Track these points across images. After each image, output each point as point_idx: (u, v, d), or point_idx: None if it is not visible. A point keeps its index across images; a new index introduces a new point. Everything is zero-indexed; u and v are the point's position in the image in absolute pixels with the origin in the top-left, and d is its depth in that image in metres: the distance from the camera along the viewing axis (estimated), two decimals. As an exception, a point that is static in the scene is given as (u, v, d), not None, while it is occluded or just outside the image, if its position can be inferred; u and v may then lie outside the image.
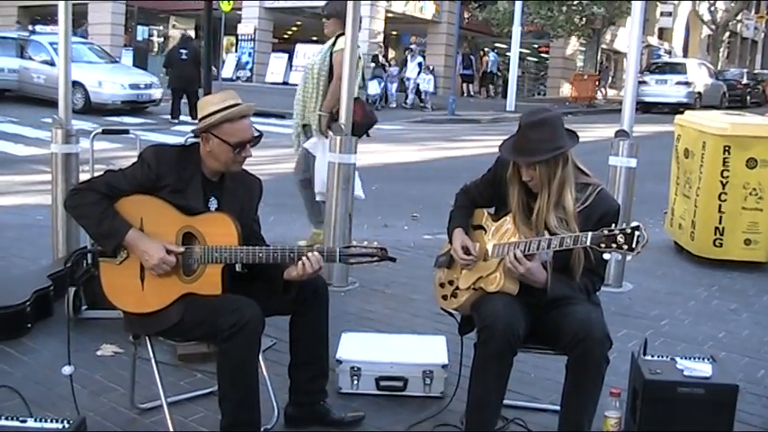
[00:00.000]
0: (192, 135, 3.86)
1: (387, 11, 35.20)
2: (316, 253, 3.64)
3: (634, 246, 3.33)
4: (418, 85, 28.04)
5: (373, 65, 27.68)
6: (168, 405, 3.80)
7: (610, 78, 38.72)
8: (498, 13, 33.93)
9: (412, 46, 30.54)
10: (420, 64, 28.43)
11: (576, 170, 3.74)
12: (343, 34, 6.56)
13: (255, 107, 3.83)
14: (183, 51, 20.52)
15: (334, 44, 6.68)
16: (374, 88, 26.45)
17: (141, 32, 35.13)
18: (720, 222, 7.50)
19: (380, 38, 35.35)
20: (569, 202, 3.63)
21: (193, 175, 3.67)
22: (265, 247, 3.64)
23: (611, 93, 38.58)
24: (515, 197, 3.74)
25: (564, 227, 3.59)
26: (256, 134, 3.74)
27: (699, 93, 30.22)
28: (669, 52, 46.52)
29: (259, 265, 3.67)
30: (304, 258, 3.62)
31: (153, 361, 3.79)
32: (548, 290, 3.61)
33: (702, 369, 3.87)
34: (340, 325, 5.18)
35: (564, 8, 33.03)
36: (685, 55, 46.65)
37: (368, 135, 6.87)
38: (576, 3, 33.13)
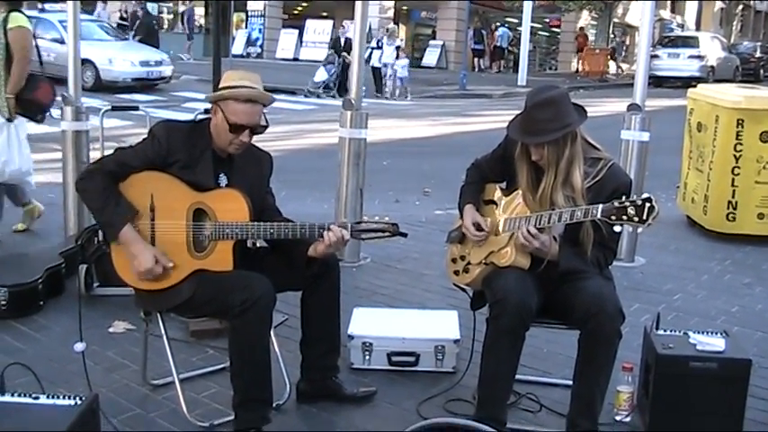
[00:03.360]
0: (201, 111, 3.85)
1: (397, -15, 35.04)
2: (336, 227, 3.62)
3: (645, 217, 3.30)
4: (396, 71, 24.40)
5: (331, 51, 24.59)
6: (180, 381, 3.82)
7: (624, 52, 38.22)
8: (509, -13, 33.71)
9: (389, 26, 27.41)
10: (398, 48, 25.10)
11: (587, 145, 3.71)
12: (14, 10, 6.33)
13: (265, 83, 3.79)
14: (155, 22, 21.22)
15: (6, 20, 6.37)
16: (321, 75, 23.48)
17: (151, 9, 34.98)
18: (733, 196, 7.46)
19: (391, 13, 35.21)
20: (578, 180, 3.60)
21: (204, 152, 3.65)
22: (276, 223, 3.63)
23: (623, 67, 38.25)
24: (524, 176, 3.73)
25: (571, 205, 3.57)
26: (262, 123, 3.70)
27: (711, 66, 29.99)
28: (682, 26, 46.10)
29: (282, 240, 3.67)
30: (327, 232, 3.61)
31: (165, 337, 3.80)
32: (560, 263, 3.59)
33: (715, 343, 3.85)
34: (352, 300, 5.18)
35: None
36: (698, 28, 46.24)
37: (52, 116, 6.65)
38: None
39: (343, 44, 23.83)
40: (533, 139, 3.60)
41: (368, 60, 24.24)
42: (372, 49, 24.73)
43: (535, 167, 3.71)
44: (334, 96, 22.49)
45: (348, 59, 23.02)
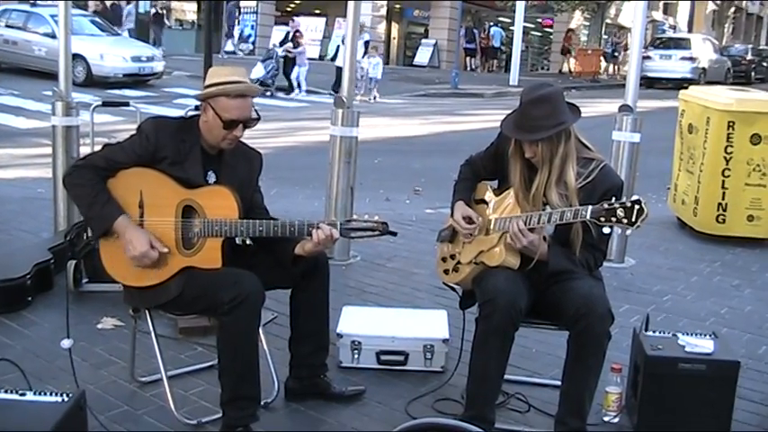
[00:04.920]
0: (192, 108, 3.84)
1: (390, -16, 35.00)
2: (325, 225, 3.61)
3: (634, 219, 3.30)
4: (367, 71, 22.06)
5: (276, 46, 23.06)
6: (168, 378, 3.81)
7: (623, 53, 37.76)
8: (502, -13, 33.70)
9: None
10: (367, 43, 23.01)
11: (579, 144, 3.71)
12: None
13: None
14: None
15: None
16: (258, 71, 21.28)
17: (143, 5, 34.88)
18: (723, 198, 7.47)
19: (383, 11, 35.19)
20: (571, 178, 3.60)
21: (192, 148, 3.63)
22: (266, 221, 3.61)
23: (612, 69, 38.15)
24: (517, 173, 3.72)
25: (565, 203, 3.57)
26: (254, 116, 3.70)
27: (703, 68, 30.05)
28: (674, 27, 46.19)
29: (269, 238, 3.65)
30: (316, 230, 3.59)
31: (153, 334, 3.78)
32: (549, 263, 3.59)
33: (704, 345, 3.86)
34: (341, 299, 5.19)
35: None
36: (690, 30, 46.26)
37: None
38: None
39: (290, 38, 22.67)
40: (527, 136, 3.60)
41: (334, 58, 23.33)
42: (338, 45, 23.46)
43: (528, 165, 3.70)
44: (271, 95, 21.07)
45: (291, 54, 22.14)
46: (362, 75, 22.00)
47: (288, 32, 23.32)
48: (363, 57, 22.13)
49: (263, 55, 23.34)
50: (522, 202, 3.69)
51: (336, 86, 21.71)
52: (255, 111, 3.72)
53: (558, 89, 3.67)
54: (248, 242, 3.93)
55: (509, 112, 3.74)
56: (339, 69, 22.11)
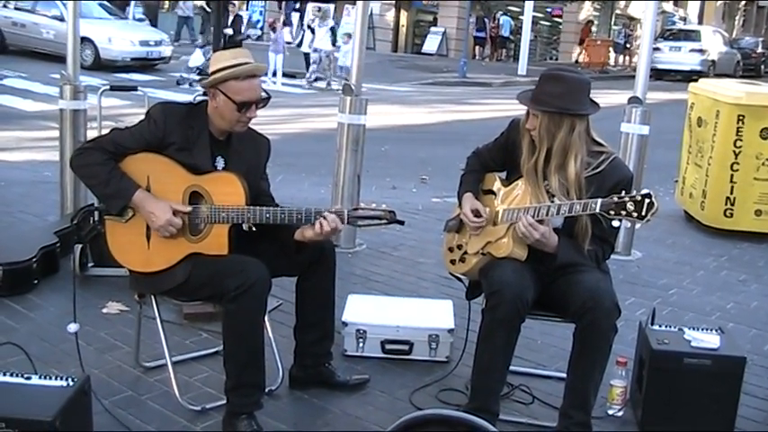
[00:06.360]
0: (200, 93, 3.83)
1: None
2: (332, 214, 3.60)
3: (644, 213, 3.28)
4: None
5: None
6: (173, 364, 3.81)
7: (635, 43, 37.43)
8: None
9: (320, 6, 23.13)
10: (333, 29, 21.45)
11: (591, 141, 3.68)
12: None
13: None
14: None
15: None
16: (197, 59, 19.10)
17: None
18: (732, 192, 7.45)
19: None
20: (572, 170, 3.57)
21: (200, 134, 3.62)
22: (273, 208, 3.60)
23: (623, 60, 38.02)
24: (526, 145, 3.70)
25: (564, 193, 3.56)
26: (264, 96, 3.69)
27: (713, 61, 29.97)
28: (684, 19, 45.98)
29: (272, 225, 3.64)
30: (321, 219, 3.58)
31: (158, 320, 3.79)
32: (557, 255, 3.57)
33: (710, 340, 3.84)
34: (347, 287, 5.18)
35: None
36: (700, 22, 46.03)
37: None
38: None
39: (230, 23, 21.14)
40: (529, 103, 3.62)
41: (300, 44, 22.56)
42: (303, 32, 22.99)
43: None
44: None
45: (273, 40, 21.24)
46: (320, 60, 21.26)
47: (237, 16, 22.70)
48: (336, 45, 21.30)
49: (200, 42, 22.91)
50: (527, 175, 3.67)
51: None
52: (264, 90, 3.72)
53: (584, 79, 3.66)
54: (253, 228, 3.93)
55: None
56: (306, 56, 21.83)
